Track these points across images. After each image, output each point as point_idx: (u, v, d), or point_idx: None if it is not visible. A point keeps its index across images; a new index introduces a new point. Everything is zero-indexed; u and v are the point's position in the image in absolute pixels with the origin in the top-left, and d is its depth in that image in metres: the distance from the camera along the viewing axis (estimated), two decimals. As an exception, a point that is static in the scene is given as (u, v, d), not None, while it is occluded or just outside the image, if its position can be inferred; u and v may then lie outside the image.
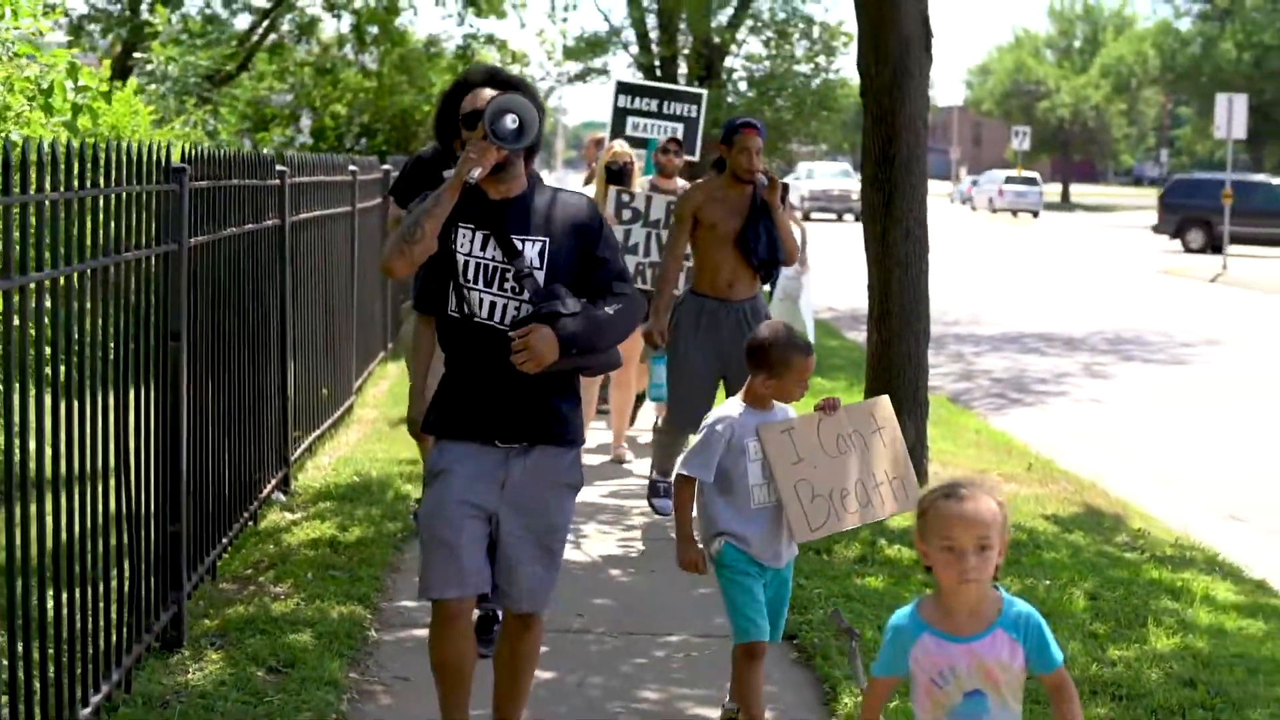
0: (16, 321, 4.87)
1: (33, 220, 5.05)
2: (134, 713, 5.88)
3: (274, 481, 9.34)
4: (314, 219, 10.79)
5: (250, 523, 8.68)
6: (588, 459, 10.39)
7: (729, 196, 8.68)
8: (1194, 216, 43.13)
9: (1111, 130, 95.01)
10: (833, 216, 59.36)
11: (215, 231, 7.58)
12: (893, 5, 9.80)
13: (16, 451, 4.88)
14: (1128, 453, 13.44)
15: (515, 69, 32.10)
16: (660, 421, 12.46)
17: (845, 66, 28.77)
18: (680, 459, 5.87)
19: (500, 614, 5.65)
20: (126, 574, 6.14)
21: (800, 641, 7.05)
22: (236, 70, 29.70)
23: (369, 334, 14.52)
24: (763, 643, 5.71)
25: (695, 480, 5.71)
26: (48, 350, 5.27)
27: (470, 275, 5.15)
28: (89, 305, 5.65)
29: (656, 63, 28.03)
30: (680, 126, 13.56)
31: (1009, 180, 72.32)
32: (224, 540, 7.96)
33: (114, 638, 5.95)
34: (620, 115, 13.78)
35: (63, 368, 5.40)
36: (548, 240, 5.19)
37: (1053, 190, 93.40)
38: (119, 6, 28.71)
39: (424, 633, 6.97)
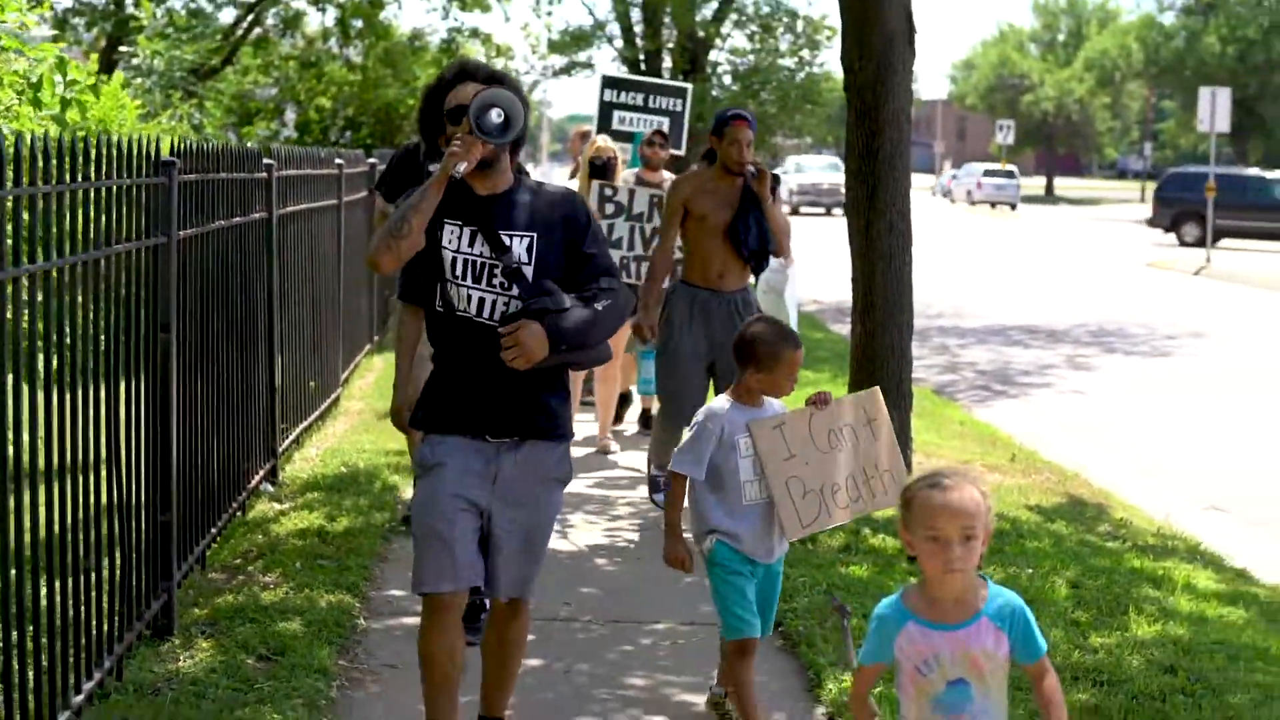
0: (9, 314, 4.92)
1: (25, 213, 5.10)
2: (126, 700, 5.94)
3: (262, 472, 9.40)
4: (300, 212, 10.83)
5: (239, 513, 8.73)
6: (573, 451, 10.43)
7: (719, 188, 8.70)
8: (1189, 210, 43.24)
9: (1095, 124, 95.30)
10: (821, 211, 58.61)
11: (203, 224, 7.62)
12: (876, 1, 9.85)
13: (10, 443, 4.93)
14: (1110, 444, 13.53)
15: (500, 63, 32.17)
16: (653, 413, 12.55)
17: (829, 60, 28.86)
18: (672, 456, 5.87)
19: (488, 603, 5.70)
20: (118, 563, 6.19)
21: (785, 629, 7.11)
22: (221, 64, 29.72)
23: (355, 326, 14.56)
24: (754, 640, 5.73)
25: (686, 477, 5.73)
26: (39, 342, 5.32)
27: (458, 271, 5.15)
28: (80, 298, 5.70)
29: (641, 56, 28.08)
30: (666, 120, 13.61)
31: (987, 173, 73.01)
32: (213, 530, 8.01)
33: (105, 626, 5.99)
34: (606, 109, 13.84)
35: (54, 360, 5.45)
36: (535, 235, 5.19)
37: (1037, 184, 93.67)
38: (104, 0, 28.72)
39: (412, 621, 7.06)
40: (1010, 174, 72.25)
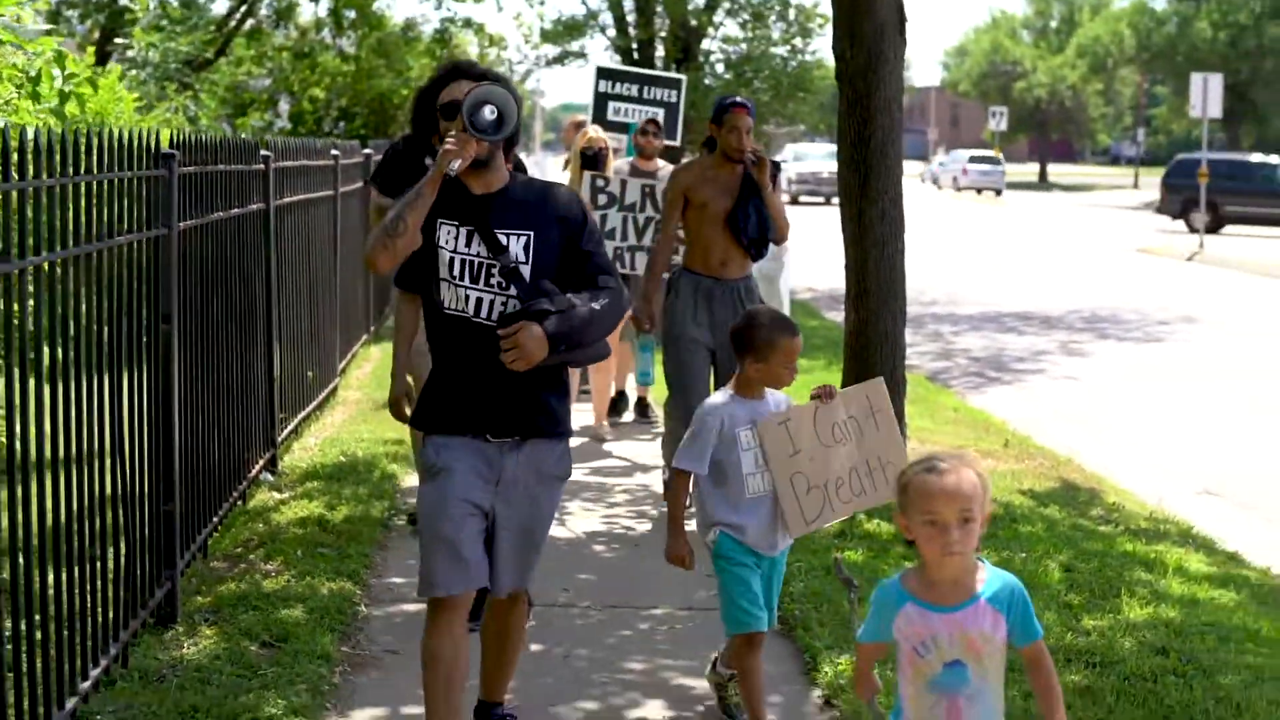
0: (15, 306, 4.99)
1: (29, 206, 5.16)
2: (132, 687, 6.02)
3: (262, 462, 9.47)
4: (297, 203, 10.89)
5: (239, 502, 8.81)
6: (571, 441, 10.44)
7: (719, 176, 8.68)
8: (1198, 197, 43.31)
9: (1088, 110, 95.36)
10: (821, 200, 56.59)
11: (203, 216, 7.69)
12: (867, -10, 9.92)
13: (17, 434, 5.00)
14: (1104, 429, 13.61)
15: (493, 52, 32.20)
16: (650, 402, 12.62)
17: (821, 48, 28.76)
18: (675, 452, 5.87)
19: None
20: (122, 552, 6.27)
21: (782, 613, 7.15)
22: (215, 56, 29.74)
23: (352, 316, 14.63)
24: (761, 633, 5.72)
25: (689, 474, 5.73)
26: (45, 334, 5.39)
27: (456, 271, 5.13)
28: (82, 289, 5.76)
29: (634, 45, 28.08)
30: (661, 111, 13.65)
31: (973, 159, 73.43)
32: (214, 520, 8.08)
33: (111, 614, 6.08)
34: (601, 100, 13.89)
35: (59, 351, 5.52)
36: (532, 234, 5.16)
37: (1030, 170, 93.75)
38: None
39: (412, 608, 7.17)
40: (995, 160, 72.63)
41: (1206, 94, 34.76)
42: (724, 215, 8.65)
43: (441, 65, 5.66)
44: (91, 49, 13.44)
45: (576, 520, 9.09)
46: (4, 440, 4.92)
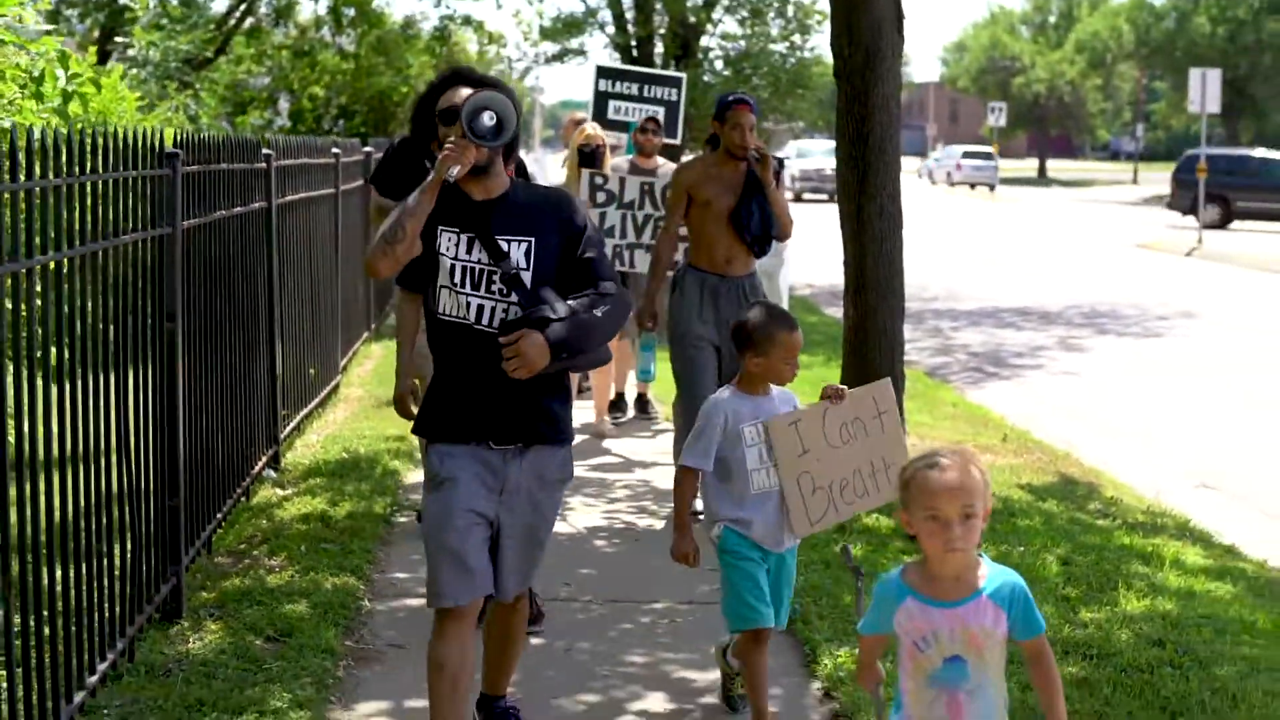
0: (23, 305, 5.05)
1: (35, 206, 5.22)
2: (138, 681, 6.08)
3: (265, 459, 9.53)
4: (299, 201, 10.95)
5: (243, 499, 8.87)
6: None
7: (722, 173, 8.66)
8: (1210, 193, 43.33)
9: (1087, 105, 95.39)
10: (824, 197, 54.67)
11: (206, 215, 7.75)
12: (865, -12, 9.98)
13: (25, 432, 5.06)
14: (1102, 423, 13.67)
15: (492, 49, 32.26)
16: (649, 398, 12.67)
17: (820, 45, 28.79)
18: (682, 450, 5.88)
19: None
20: (128, 549, 6.33)
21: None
22: (214, 54, 29.79)
23: (353, 314, 14.69)
24: (765, 629, 5.73)
25: (696, 471, 5.73)
26: (52, 333, 5.45)
27: (457, 279, 5.11)
28: (89, 288, 5.83)
29: (633, 42, 28.12)
30: (661, 110, 13.68)
31: (966, 155, 73.90)
32: (219, 516, 8.15)
33: (116, 610, 6.14)
34: (601, 99, 13.92)
35: (65, 349, 5.58)
36: (533, 240, 5.15)
37: (1029, 165, 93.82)
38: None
39: (416, 602, 7.22)
40: (988, 156, 72.95)
41: (1205, 89, 34.82)
42: (728, 213, 8.63)
43: (440, 71, 5.63)
44: (93, 49, 13.47)
45: (578, 516, 9.14)
46: (12, 439, 4.97)
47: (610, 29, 28.68)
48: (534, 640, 6.69)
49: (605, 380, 11.81)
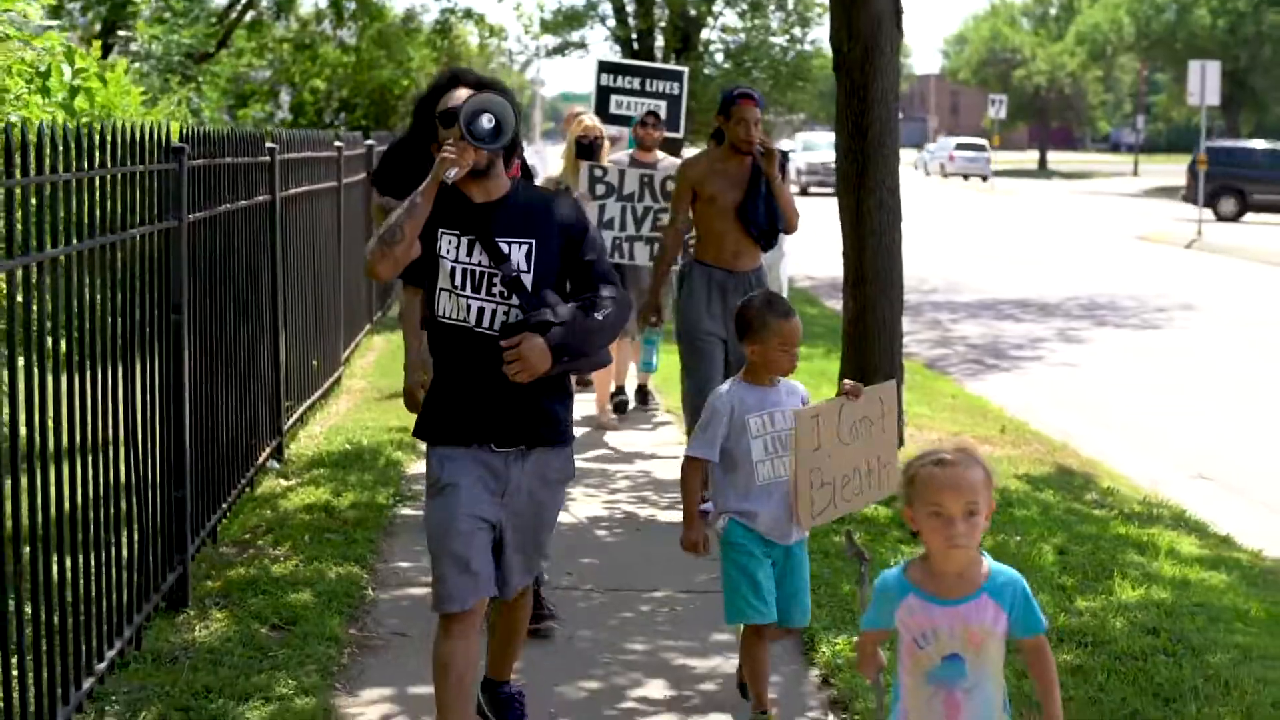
0: (34, 298, 5.13)
1: (45, 200, 5.30)
2: (145, 668, 6.17)
3: (268, 450, 9.61)
4: (302, 194, 11.03)
5: (247, 490, 8.95)
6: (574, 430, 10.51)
7: (728, 168, 8.67)
8: (1226, 184, 43.39)
9: (1088, 97, 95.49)
10: (830, 191, 55.67)
11: (211, 208, 7.83)
12: (864, -18, 10.05)
13: (36, 423, 5.14)
14: (1100, 415, 13.74)
15: (493, 42, 32.33)
16: (650, 389, 12.74)
17: (820, 37, 28.86)
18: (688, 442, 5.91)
19: None
20: (135, 538, 6.41)
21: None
22: (216, 47, 29.86)
23: (355, 306, 14.76)
24: (762, 626, 5.75)
25: (703, 462, 5.74)
26: (61, 325, 5.53)
27: (458, 281, 5.09)
28: (97, 280, 5.90)
29: (633, 35, 28.22)
30: (663, 104, 13.72)
31: (959, 146, 75.28)
32: (223, 506, 8.23)
33: (124, 598, 6.22)
34: (603, 94, 13.96)
35: (74, 342, 5.66)
36: (534, 242, 5.13)
37: (1030, 157, 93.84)
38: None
39: (419, 591, 7.31)
40: (981, 147, 74.05)
41: (1205, 81, 34.85)
42: (734, 207, 8.64)
43: (440, 71, 5.63)
44: (98, 43, 13.53)
45: (579, 506, 9.22)
46: (24, 430, 5.05)
47: (611, 22, 28.80)
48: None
49: (606, 375, 11.86)
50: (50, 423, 5.33)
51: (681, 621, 7.14)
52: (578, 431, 11.09)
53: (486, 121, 5.01)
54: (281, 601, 7.01)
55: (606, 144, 11.78)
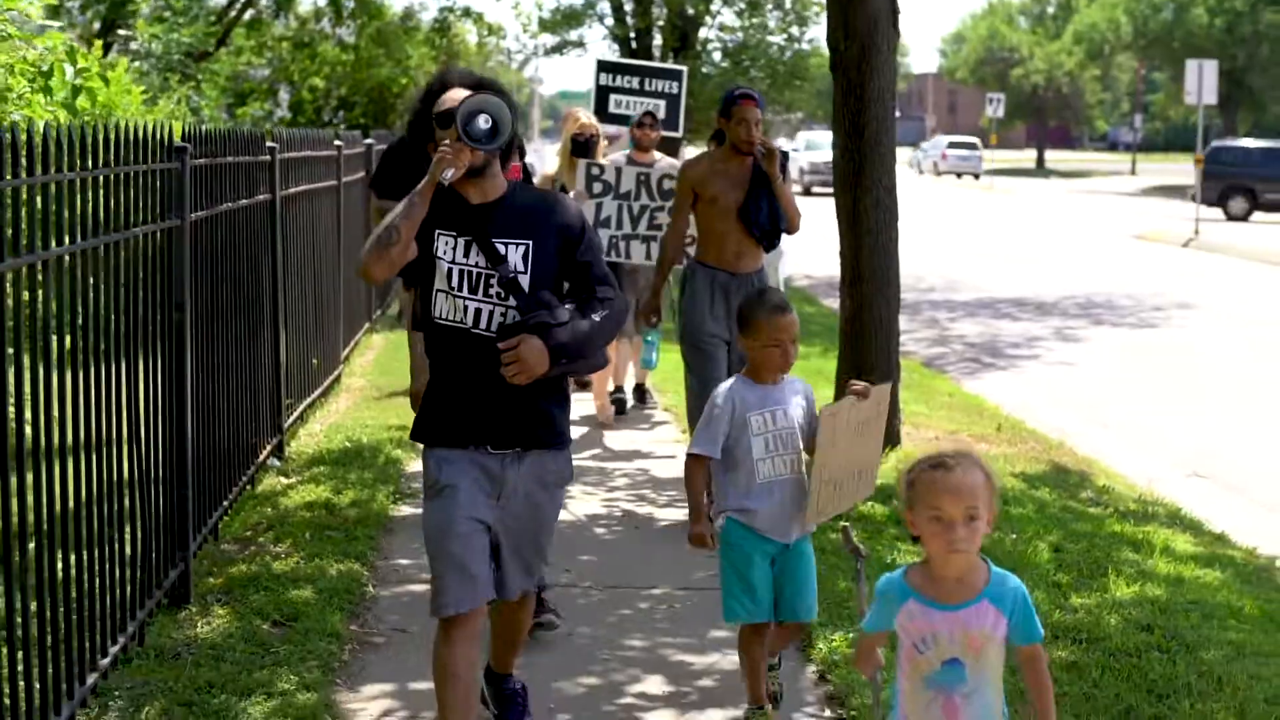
0: (39, 296, 5.19)
1: (46, 198, 5.35)
2: (148, 664, 6.22)
3: (269, 447, 9.66)
4: (302, 193, 11.07)
5: (248, 487, 9.00)
6: (573, 429, 10.54)
7: (729, 169, 8.67)
8: (1237, 184, 43.44)
9: (1085, 96, 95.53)
10: (832, 190, 55.52)
11: (212, 207, 7.88)
12: (861, -18, 10.10)
13: (42, 420, 5.19)
14: (1096, 413, 13.79)
15: (491, 41, 32.36)
16: (648, 387, 12.79)
17: (818, 36, 28.95)
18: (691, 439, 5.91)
19: None
20: (138, 535, 6.47)
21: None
22: (215, 46, 29.91)
23: (354, 305, 14.81)
24: (758, 625, 5.78)
25: (705, 459, 5.73)
26: (66, 323, 5.58)
27: (454, 283, 5.08)
28: (101, 278, 5.95)
29: (631, 34, 28.27)
30: (662, 103, 13.75)
31: (951, 145, 76.86)
32: (225, 504, 8.28)
33: (127, 594, 6.27)
34: (603, 93, 13.99)
35: (79, 340, 5.71)
36: (531, 243, 5.12)
37: (1028, 156, 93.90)
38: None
39: (419, 588, 7.37)
40: (973, 146, 75.84)
41: (1201, 80, 34.91)
42: (736, 208, 8.64)
43: (437, 73, 5.62)
44: (99, 43, 13.59)
45: (578, 504, 9.26)
46: (29, 427, 5.10)
47: (609, 21, 28.84)
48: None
49: (604, 377, 11.90)
50: (54, 420, 5.38)
51: (679, 618, 7.20)
52: (577, 431, 11.22)
53: (483, 122, 4.99)
54: (283, 598, 7.07)
55: (602, 142, 11.81)
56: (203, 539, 7.67)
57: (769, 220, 8.68)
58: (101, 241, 5.90)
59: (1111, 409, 14.02)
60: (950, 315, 21.17)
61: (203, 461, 7.63)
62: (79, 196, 5.64)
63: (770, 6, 28.96)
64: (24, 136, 5.04)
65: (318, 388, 11.84)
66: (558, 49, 30.42)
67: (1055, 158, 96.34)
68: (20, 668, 5.02)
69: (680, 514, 9.09)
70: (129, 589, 6.30)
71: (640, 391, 12.73)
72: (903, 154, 61.14)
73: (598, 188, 11.05)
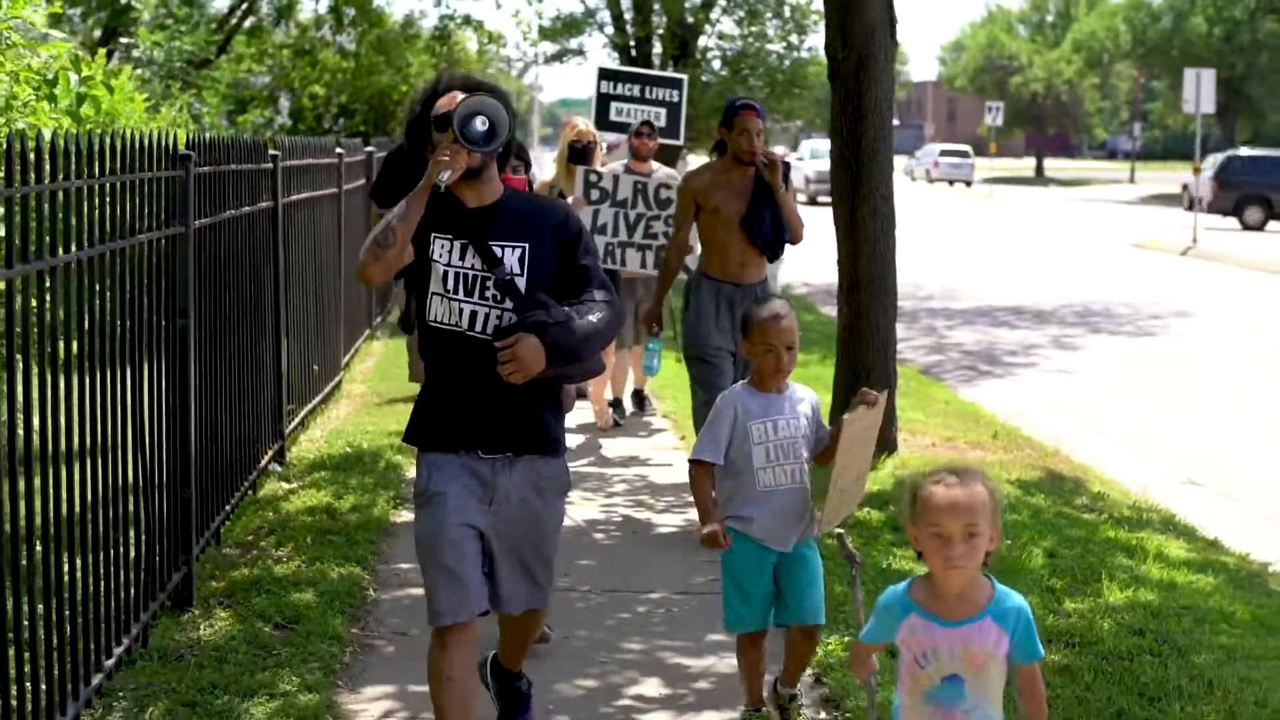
0: (47, 302, 5.27)
1: (56, 207, 5.43)
2: (152, 665, 6.31)
3: (270, 453, 9.74)
4: (304, 201, 11.15)
5: (250, 492, 9.08)
6: (572, 436, 10.65)
7: (731, 179, 8.70)
8: (1253, 194, 43.54)
9: (1085, 104, 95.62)
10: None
11: (215, 214, 7.96)
12: (858, -8, 10.18)
13: (49, 426, 5.27)
14: (1092, 421, 13.85)
15: (491, 49, 32.42)
16: (647, 393, 12.85)
17: (817, 45, 28.99)
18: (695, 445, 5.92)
19: None
20: (142, 538, 6.54)
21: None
22: (216, 53, 29.98)
23: (355, 311, 14.89)
24: (754, 633, 5.82)
25: (708, 464, 5.72)
26: (73, 329, 5.66)
27: (450, 285, 5.06)
28: (107, 285, 6.03)
29: (631, 43, 28.32)
30: (663, 111, 13.80)
31: (943, 153, 78.88)
32: (226, 508, 8.35)
33: (131, 597, 6.34)
34: (603, 101, 14.04)
35: (85, 345, 5.78)
36: (528, 246, 5.11)
37: (1027, 165, 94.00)
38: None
39: (420, 592, 7.38)
40: (965, 154, 77.65)
41: (1199, 89, 34.99)
42: (738, 219, 8.67)
43: (435, 78, 5.66)
44: (103, 51, 13.64)
45: (577, 509, 9.32)
46: (36, 433, 5.18)
47: (609, 29, 28.87)
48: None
49: (601, 387, 11.95)
50: (60, 424, 5.46)
51: (677, 622, 7.26)
52: (576, 439, 11.30)
53: (480, 124, 4.98)
54: (284, 601, 7.15)
55: (599, 149, 11.86)
56: (205, 543, 7.74)
57: (772, 230, 8.71)
58: (107, 248, 5.97)
59: (1108, 417, 14.08)
60: (948, 323, 21.24)
61: (205, 467, 7.71)
62: (85, 204, 5.71)
63: (769, 15, 29.01)
64: (31, 144, 5.11)
65: (319, 394, 11.92)
66: (558, 57, 30.45)
67: (1054, 166, 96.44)
68: (27, 668, 5.09)
69: (678, 519, 9.18)
70: (133, 592, 6.38)
71: (639, 398, 12.78)
72: (898, 161, 61.39)
73: (595, 195, 11.09)
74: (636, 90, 14.08)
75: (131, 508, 6.41)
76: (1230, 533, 9.73)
